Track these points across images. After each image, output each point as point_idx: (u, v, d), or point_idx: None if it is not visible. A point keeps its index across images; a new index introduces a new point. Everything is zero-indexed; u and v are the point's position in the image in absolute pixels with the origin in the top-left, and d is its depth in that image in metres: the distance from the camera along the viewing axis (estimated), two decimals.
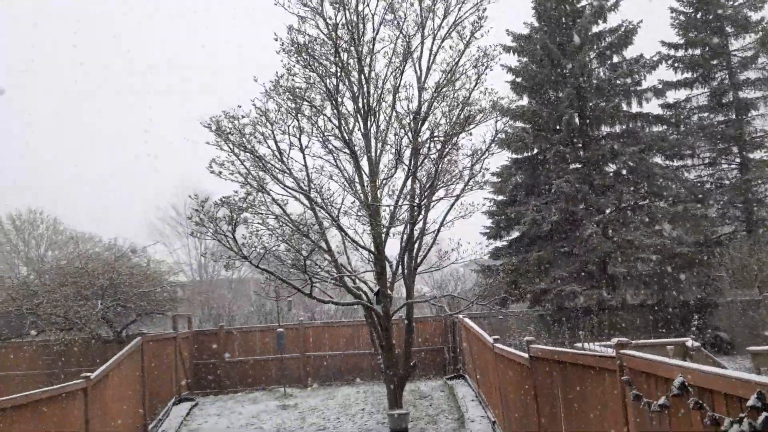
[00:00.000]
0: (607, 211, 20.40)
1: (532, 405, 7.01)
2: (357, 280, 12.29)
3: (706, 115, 23.29)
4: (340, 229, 11.70)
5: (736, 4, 22.71)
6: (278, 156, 11.53)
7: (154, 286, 16.56)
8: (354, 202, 11.85)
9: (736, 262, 19.13)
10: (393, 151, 12.64)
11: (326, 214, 11.61)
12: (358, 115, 12.32)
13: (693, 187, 21.97)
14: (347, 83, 11.96)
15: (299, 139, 11.76)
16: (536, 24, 21.58)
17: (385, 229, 11.95)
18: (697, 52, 23.10)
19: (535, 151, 21.28)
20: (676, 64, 23.06)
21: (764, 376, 3.91)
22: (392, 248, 12.72)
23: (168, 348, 15.00)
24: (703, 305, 19.66)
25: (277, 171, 11.53)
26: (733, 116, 22.81)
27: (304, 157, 11.85)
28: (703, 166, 23.41)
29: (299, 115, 11.58)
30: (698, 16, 23.32)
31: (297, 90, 11.40)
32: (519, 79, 21.47)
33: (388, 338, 11.99)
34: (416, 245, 12.45)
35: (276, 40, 11.22)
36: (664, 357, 4.03)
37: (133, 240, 34.46)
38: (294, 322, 18.94)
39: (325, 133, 12.18)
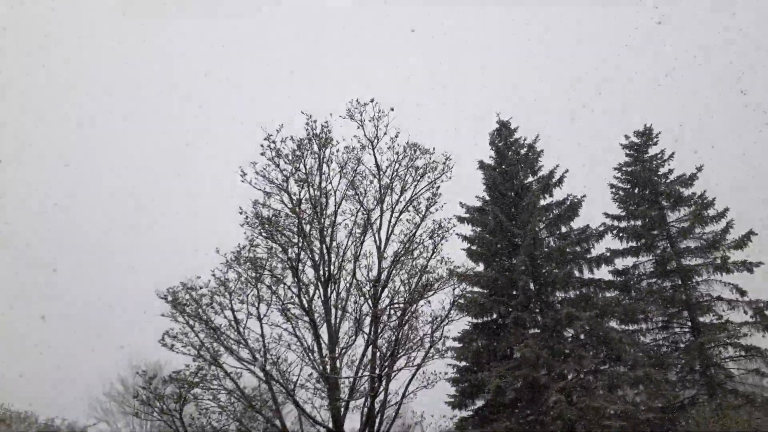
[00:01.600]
0: (570, 376, 20.22)
1: None
2: None
3: (654, 280, 24.37)
4: (296, 404, 11.21)
5: (668, 181, 25.00)
6: (235, 326, 11.37)
7: None
8: (312, 374, 11.53)
9: (702, 428, 18.77)
10: (353, 318, 12.66)
11: (282, 388, 11.17)
12: (319, 283, 12.49)
13: (650, 350, 22.20)
14: (309, 253, 12.28)
15: (257, 308, 11.73)
16: (487, 197, 23.14)
17: (344, 403, 11.51)
18: (639, 223, 24.85)
19: (495, 315, 21.52)
20: (620, 234, 24.63)
21: None
22: (352, 423, 12.15)
23: None
24: None
25: (233, 342, 11.29)
26: (679, 282, 23.89)
27: (262, 327, 11.72)
28: (657, 330, 23.91)
29: (259, 284, 11.67)
30: (636, 191, 25.46)
31: (258, 260, 11.62)
32: (474, 247, 22.42)
33: None
34: (378, 419, 11.95)
35: (240, 213, 11.68)
36: None
37: (73, 420, 31.76)
38: None
39: (285, 302, 12.20)
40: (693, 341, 22.87)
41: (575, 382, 19.83)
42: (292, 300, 12.08)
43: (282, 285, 12.07)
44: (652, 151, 25.85)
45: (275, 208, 12.07)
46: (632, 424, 18.83)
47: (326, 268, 12.35)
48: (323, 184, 12.28)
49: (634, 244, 24.75)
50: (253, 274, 11.67)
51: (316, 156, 12.25)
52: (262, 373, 11.29)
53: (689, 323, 23.58)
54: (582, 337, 21.02)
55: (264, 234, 11.89)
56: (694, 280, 23.93)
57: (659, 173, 25.31)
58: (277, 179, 12.07)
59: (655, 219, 24.62)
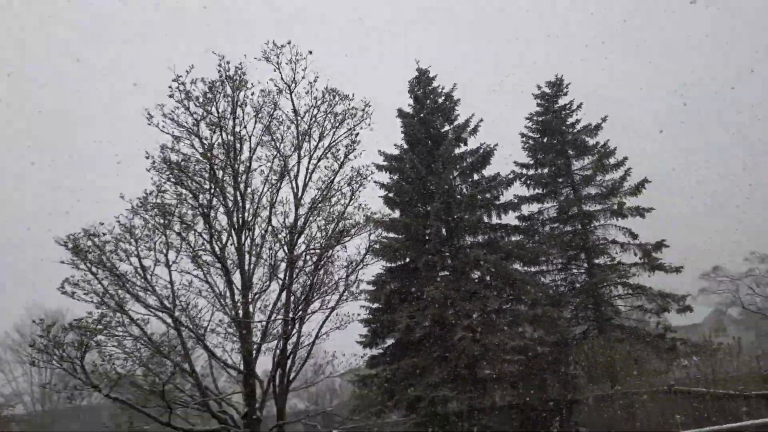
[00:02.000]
0: (475, 315, 21.48)
1: None
2: (223, 404, 11.71)
3: (556, 225, 25.95)
4: (207, 348, 11.27)
5: (575, 131, 26.22)
6: (141, 273, 11.11)
7: None
8: (223, 319, 11.58)
9: (590, 360, 20.76)
10: (268, 264, 12.68)
11: (192, 333, 11.16)
12: (233, 230, 12.34)
13: (549, 290, 23.89)
14: (222, 199, 12.03)
15: (166, 255, 11.48)
16: (405, 146, 23.36)
17: (256, 346, 11.70)
18: (546, 171, 26.08)
19: (408, 260, 22.24)
20: (528, 182, 25.82)
21: None
22: (264, 365, 12.41)
23: None
24: (564, 402, 20.80)
25: (139, 289, 11.06)
26: (579, 226, 25.58)
27: (170, 274, 11.52)
28: (557, 272, 25.70)
29: (168, 230, 11.38)
30: (544, 140, 26.56)
31: (167, 206, 11.28)
32: (391, 195, 22.79)
33: None
34: (290, 361, 12.25)
35: (147, 157, 11.18)
36: None
37: None
38: None
39: (196, 248, 11.99)
40: (588, 281, 24.82)
41: (480, 321, 21.10)
42: (203, 247, 11.89)
43: (193, 232, 11.82)
44: (562, 101, 26.89)
45: (185, 152, 11.65)
46: (529, 357, 20.46)
47: (240, 215, 12.19)
48: (237, 129, 11.94)
49: (540, 191, 26.06)
50: (161, 221, 11.33)
51: (230, 99, 11.80)
52: (171, 319, 11.20)
53: (585, 265, 25.50)
54: (488, 278, 22.24)
55: (173, 179, 11.48)
56: (592, 225, 25.70)
57: (567, 123, 26.45)
58: (186, 123, 11.59)
59: (561, 167, 25.94)
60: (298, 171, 13.04)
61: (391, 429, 18.07)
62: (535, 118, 26.96)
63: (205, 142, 11.55)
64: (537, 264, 24.66)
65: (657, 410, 16.04)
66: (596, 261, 25.28)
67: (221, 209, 12.20)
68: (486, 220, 22.74)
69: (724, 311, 33.06)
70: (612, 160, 25.74)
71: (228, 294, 12.02)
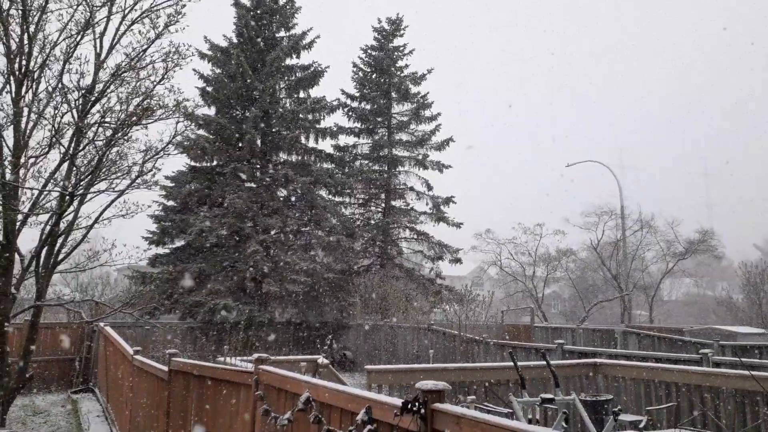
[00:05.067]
0: (272, 232, 21.44)
1: (163, 421, 6.72)
2: None
3: (366, 162, 26.82)
4: None
5: (402, 75, 27.00)
6: None
7: None
8: None
9: (368, 291, 22.25)
10: (50, 127, 10.91)
11: None
12: (12, 77, 10.30)
13: (347, 221, 24.83)
14: (4, 37, 9.92)
15: None
16: (235, 41, 21.77)
17: (22, 216, 10.13)
18: (368, 107, 26.58)
19: (215, 163, 21.14)
20: (350, 113, 26.13)
21: (373, 393, 4.52)
22: (29, 241, 10.85)
23: None
24: (339, 326, 22.14)
25: None
26: (386, 168, 26.79)
27: None
28: (357, 206, 26.76)
29: None
30: (374, 77, 26.93)
31: None
32: (210, 89, 21.22)
33: (1, 344, 10.03)
34: (60, 240, 10.87)
35: None
36: (297, 374, 4.26)
37: None
38: None
39: None
40: (382, 220, 26.32)
41: (276, 238, 21.13)
42: None
43: None
44: (398, 42, 27.40)
45: None
46: (316, 280, 21.19)
47: (24, 61, 10.21)
48: None
49: (359, 125, 26.58)
50: None
51: None
52: None
53: (384, 205, 26.95)
54: (293, 199, 22.26)
55: None
56: (398, 169, 27.12)
57: (397, 65, 27.11)
58: None
59: (382, 107, 26.67)
60: (105, 29, 11.19)
61: (162, 328, 17.34)
62: (368, 51, 27.12)
63: None
64: (341, 195, 25.36)
65: (415, 344, 17.89)
66: (393, 203, 26.86)
67: (1, 48, 10.08)
68: (303, 141, 22.53)
69: (485, 269, 37.78)
70: (428, 113, 27.19)
71: None
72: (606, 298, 31.89)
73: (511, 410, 5.68)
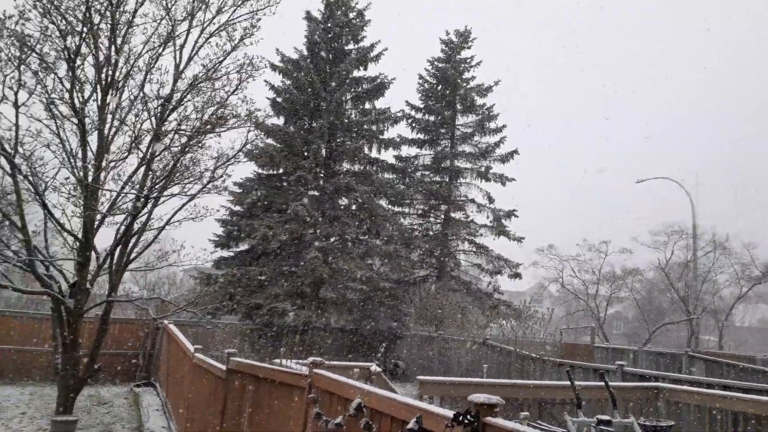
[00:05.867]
0: (332, 239, 21.84)
1: (218, 417, 6.99)
2: (52, 267, 10.77)
3: (427, 173, 26.91)
4: (44, 206, 10.19)
5: (468, 86, 26.96)
6: None
7: None
8: (69, 178, 10.48)
9: (423, 302, 22.26)
10: (131, 133, 11.60)
11: (30, 186, 10.01)
12: (99, 86, 11.04)
13: (405, 232, 24.96)
14: (93, 49, 10.67)
15: (16, 94, 10.02)
16: (305, 53, 22.43)
17: (101, 216, 10.80)
18: (432, 118, 26.70)
19: (281, 170, 21.79)
20: (413, 124, 26.34)
21: (425, 403, 4.59)
22: (105, 240, 11.54)
23: None
24: (392, 336, 22.22)
25: None
26: (447, 179, 26.77)
27: (17, 116, 10.11)
28: (416, 216, 26.86)
29: (23, 66, 9.90)
30: (439, 88, 27.04)
31: (27, 38, 9.77)
32: (280, 99, 21.94)
33: (74, 336, 10.69)
34: (133, 240, 11.49)
35: None
36: (350, 379, 4.36)
37: None
38: None
39: (53, 96, 10.61)
40: (441, 231, 26.28)
41: (335, 245, 21.51)
42: (62, 95, 10.53)
43: (53, 76, 10.39)
44: (465, 54, 27.41)
45: None
46: (372, 288, 21.40)
47: (111, 72, 10.92)
48: None
49: (422, 136, 26.73)
50: (17, 54, 9.81)
51: None
52: (9, 165, 9.95)
53: (443, 216, 26.92)
54: (353, 207, 22.62)
55: (40, 8, 9.92)
56: (459, 181, 27.05)
57: (464, 77, 27.11)
58: None
59: (446, 118, 26.72)
60: (185, 42, 11.82)
61: (222, 328, 17.96)
62: (435, 63, 27.27)
63: None
64: (401, 205, 25.55)
65: (469, 358, 17.74)
66: (453, 215, 26.78)
67: (90, 60, 10.82)
68: (366, 151, 22.89)
69: (546, 285, 36.95)
70: (492, 125, 27.02)
71: (80, 154, 10.83)
72: (672, 321, 30.51)
73: (565, 430, 5.59)
